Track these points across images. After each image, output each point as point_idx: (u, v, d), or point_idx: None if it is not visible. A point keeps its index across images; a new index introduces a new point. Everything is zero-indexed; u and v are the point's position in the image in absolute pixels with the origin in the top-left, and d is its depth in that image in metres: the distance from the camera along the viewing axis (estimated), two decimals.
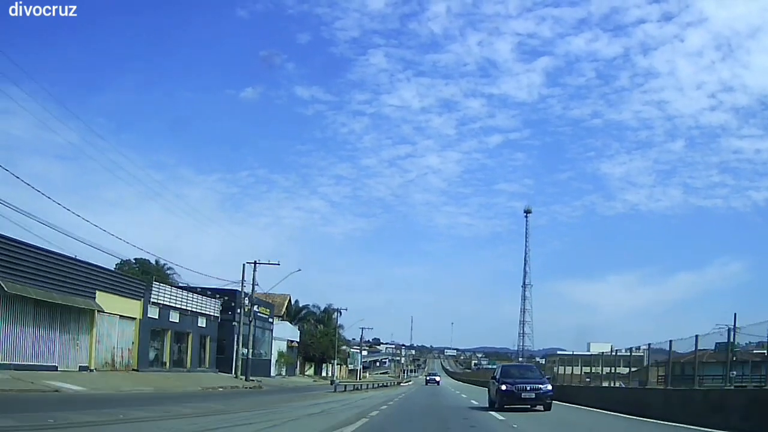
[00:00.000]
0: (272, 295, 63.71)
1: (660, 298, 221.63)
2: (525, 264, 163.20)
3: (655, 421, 15.71)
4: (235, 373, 44.47)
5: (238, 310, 45.98)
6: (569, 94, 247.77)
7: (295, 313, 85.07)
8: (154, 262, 50.43)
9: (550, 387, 19.11)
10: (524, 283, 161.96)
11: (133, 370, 32.71)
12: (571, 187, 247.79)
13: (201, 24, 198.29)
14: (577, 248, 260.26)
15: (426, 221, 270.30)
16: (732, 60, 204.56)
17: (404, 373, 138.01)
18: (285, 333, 68.67)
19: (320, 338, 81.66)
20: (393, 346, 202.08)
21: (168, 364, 37.07)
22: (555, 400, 21.14)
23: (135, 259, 48.67)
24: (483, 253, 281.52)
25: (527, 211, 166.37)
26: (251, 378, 43.32)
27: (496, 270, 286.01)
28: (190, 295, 40.52)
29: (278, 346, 65.18)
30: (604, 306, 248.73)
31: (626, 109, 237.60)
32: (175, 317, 37.43)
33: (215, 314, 44.52)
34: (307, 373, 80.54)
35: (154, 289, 34.55)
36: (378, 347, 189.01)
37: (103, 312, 29.21)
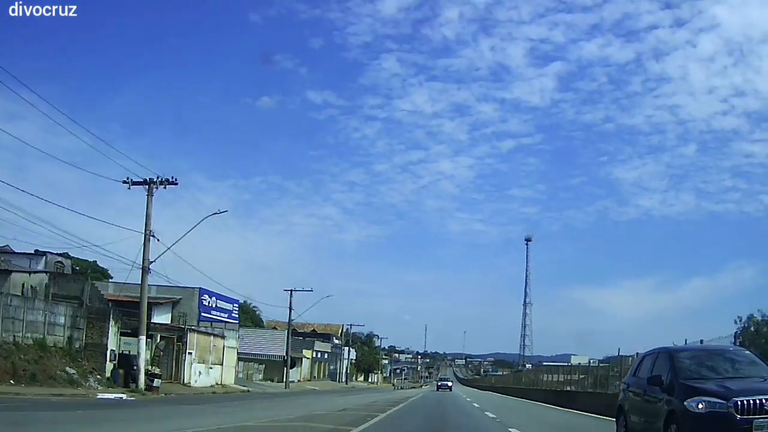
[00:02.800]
0: (331, 325, 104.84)
1: (674, 303, 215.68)
2: (526, 285, 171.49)
3: None
4: (339, 380, 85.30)
5: (330, 346, 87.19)
6: (582, 99, 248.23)
7: (346, 337, 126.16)
8: (242, 301, 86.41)
9: None
10: (525, 302, 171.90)
11: (306, 380, 73.62)
12: (584, 192, 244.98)
13: (213, 28, 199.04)
14: (591, 254, 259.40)
15: (439, 228, 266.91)
16: (744, 65, 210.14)
17: (421, 379, 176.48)
18: (350, 354, 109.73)
19: (368, 356, 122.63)
20: (410, 355, 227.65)
21: (317, 377, 78.10)
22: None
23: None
24: (496, 259, 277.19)
25: (528, 239, 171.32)
26: (345, 383, 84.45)
27: (508, 276, 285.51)
28: (323, 343, 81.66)
29: (346, 363, 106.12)
30: (617, 311, 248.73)
31: (638, 114, 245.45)
32: (318, 355, 78.52)
33: (328, 350, 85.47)
34: (359, 380, 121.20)
35: (315, 344, 75.68)
36: (395, 355, 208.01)
37: (304, 357, 70.30)
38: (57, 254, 37.92)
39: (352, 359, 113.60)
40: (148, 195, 27.56)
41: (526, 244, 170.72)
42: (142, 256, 27.49)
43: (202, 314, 46.43)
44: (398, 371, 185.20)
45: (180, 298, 45.78)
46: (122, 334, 30.03)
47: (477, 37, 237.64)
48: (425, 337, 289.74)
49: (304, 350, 70.05)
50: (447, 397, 40.31)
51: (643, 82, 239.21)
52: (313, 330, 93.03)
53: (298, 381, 68.48)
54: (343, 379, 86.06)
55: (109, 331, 28.56)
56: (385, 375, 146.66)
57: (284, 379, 53.52)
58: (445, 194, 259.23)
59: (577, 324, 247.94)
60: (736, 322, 30.14)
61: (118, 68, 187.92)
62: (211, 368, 40.72)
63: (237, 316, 52.99)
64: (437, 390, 62.95)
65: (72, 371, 26.22)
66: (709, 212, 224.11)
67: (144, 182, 27.71)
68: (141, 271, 27.83)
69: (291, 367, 55.47)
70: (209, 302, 47.80)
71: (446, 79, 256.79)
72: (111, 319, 29.01)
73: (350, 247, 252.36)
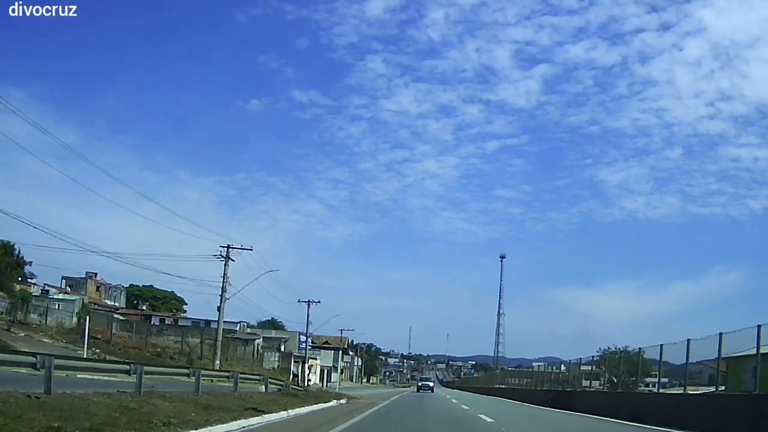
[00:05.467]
0: (337, 337, 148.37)
1: (659, 306, 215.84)
2: (500, 298, 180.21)
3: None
4: (354, 382, 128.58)
5: (350, 357, 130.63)
6: (567, 101, 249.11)
7: (353, 348, 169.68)
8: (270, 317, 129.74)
9: None
10: (498, 312, 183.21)
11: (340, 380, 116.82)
12: (569, 194, 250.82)
13: (199, 28, 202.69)
14: (575, 255, 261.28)
15: (423, 226, 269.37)
16: (730, 69, 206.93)
17: (408, 381, 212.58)
18: (357, 361, 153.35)
19: (369, 362, 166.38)
20: (396, 358, 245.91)
21: (343, 379, 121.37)
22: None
23: (270, 319, 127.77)
24: (480, 258, 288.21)
25: (502, 257, 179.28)
26: (360, 383, 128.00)
27: (492, 276, 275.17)
28: (346, 355, 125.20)
29: (357, 369, 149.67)
30: (603, 313, 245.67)
31: (624, 117, 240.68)
32: (345, 364, 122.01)
33: (349, 360, 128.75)
34: (364, 382, 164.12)
35: (343, 357, 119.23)
36: (381, 357, 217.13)
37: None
38: (243, 321, 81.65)
39: (359, 366, 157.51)
40: (308, 309, 70.95)
41: (501, 262, 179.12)
42: (306, 338, 70.89)
43: (300, 346, 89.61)
44: (387, 373, 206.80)
45: (288, 338, 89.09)
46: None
47: (463, 38, 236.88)
48: (409, 339, 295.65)
49: (339, 361, 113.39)
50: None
51: (629, 86, 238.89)
52: (326, 342, 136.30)
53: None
54: (356, 381, 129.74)
55: (291, 363, 71.92)
56: (380, 378, 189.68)
57: (335, 381, 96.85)
58: (429, 193, 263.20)
59: (562, 326, 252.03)
60: (597, 351, 39.53)
61: (106, 67, 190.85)
62: (313, 375, 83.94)
63: (311, 344, 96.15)
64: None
65: (282, 382, 69.42)
66: (694, 215, 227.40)
67: (307, 302, 71.02)
68: (305, 338, 71.36)
69: (338, 373, 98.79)
70: (301, 339, 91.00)
71: (432, 80, 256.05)
72: (292, 358, 72.52)
73: (334, 243, 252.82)
